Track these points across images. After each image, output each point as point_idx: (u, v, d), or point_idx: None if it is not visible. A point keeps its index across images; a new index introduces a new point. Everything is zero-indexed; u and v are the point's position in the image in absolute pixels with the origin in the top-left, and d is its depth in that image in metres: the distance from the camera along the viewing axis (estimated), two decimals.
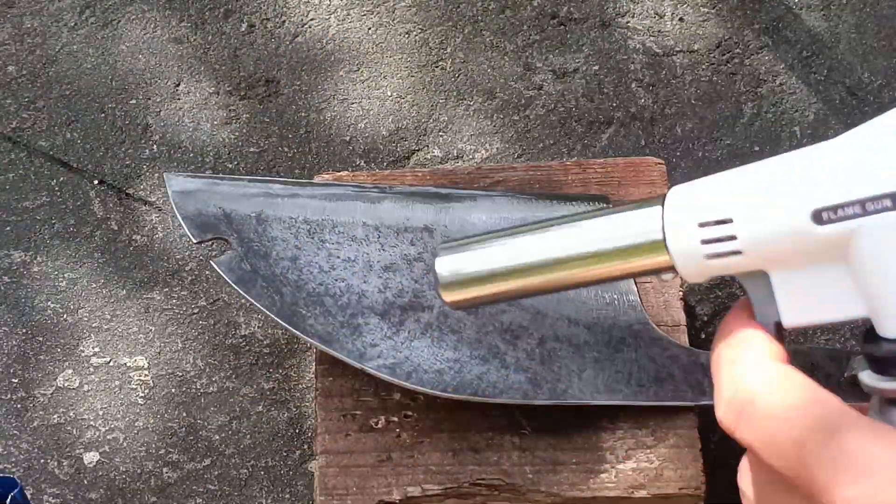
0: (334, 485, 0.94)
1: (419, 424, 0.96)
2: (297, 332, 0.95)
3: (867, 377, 0.48)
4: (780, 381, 0.46)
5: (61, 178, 1.28)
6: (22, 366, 1.18)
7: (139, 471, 1.13)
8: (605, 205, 1.04)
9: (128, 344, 1.19)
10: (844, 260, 0.48)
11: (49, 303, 1.21)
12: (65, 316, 1.21)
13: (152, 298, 1.21)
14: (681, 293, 1.02)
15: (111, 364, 1.18)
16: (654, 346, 0.97)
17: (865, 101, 1.28)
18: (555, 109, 1.30)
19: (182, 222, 0.98)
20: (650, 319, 0.98)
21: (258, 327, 1.19)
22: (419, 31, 1.35)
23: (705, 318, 1.17)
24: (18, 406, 1.17)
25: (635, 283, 1.01)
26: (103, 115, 1.32)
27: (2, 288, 1.22)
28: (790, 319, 0.50)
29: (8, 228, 1.25)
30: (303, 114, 1.31)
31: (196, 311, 1.20)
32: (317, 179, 1.07)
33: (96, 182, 1.28)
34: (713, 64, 1.31)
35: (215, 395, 1.16)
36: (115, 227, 1.25)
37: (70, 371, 1.18)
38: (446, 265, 0.67)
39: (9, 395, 1.17)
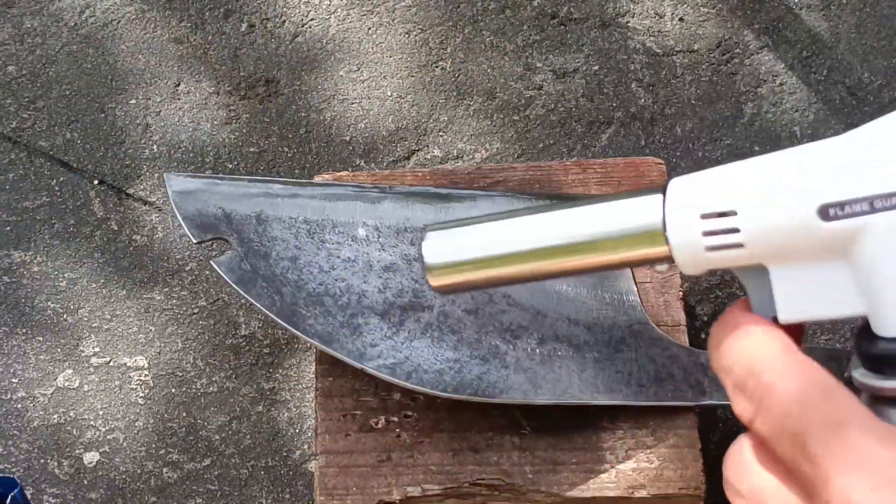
0: (334, 485, 0.94)
1: (419, 424, 0.96)
2: (297, 332, 0.95)
3: (860, 375, 0.48)
4: (797, 372, 0.46)
5: (61, 178, 1.28)
6: (22, 366, 1.18)
7: (139, 471, 1.13)
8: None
9: (128, 344, 1.19)
10: (846, 257, 0.48)
11: (49, 303, 1.21)
12: (65, 316, 1.21)
13: (152, 298, 1.21)
14: (681, 293, 1.02)
15: (111, 364, 1.18)
16: (654, 346, 0.97)
17: (865, 101, 1.28)
18: (555, 109, 1.30)
19: (182, 222, 0.98)
20: (650, 319, 0.98)
21: (258, 327, 1.19)
22: (419, 31, 1.35)
23: (705, 318, 1.17)
24: (18, 406, 1.17)
25: (635, 283, 1.01)
26: (103, 115, 1.32)
27: (2, 288, 1.22)
28: (786, 315, 0.50)
29: (8, 228, 1.25)
30: (303, 114, 1.31)
31: (196, 311, 1.20)
32: (317, 179, 1.07)
33: (96, 182, 1.28)
34: (713, 64, 1.31)
35: (215, 395, 1.16)
36: (115, 227, 1.25)
37: (70, 371, 1.18)
38: (433, 248, 0.64)
39: (9, 395, 1.17)
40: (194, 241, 0.98)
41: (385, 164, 1.27)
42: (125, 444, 1.14)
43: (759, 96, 1.29)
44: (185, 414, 1.15)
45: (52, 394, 1.17)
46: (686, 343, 0.99)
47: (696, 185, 0.52)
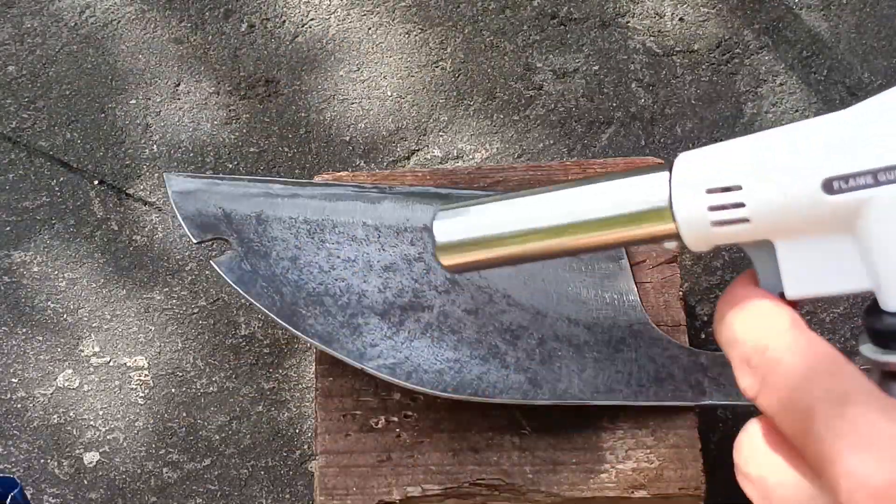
0: (334, 485, 0.94)
1: (419, 424, 0.96)
2: (297, 332, 0.95)
3: (868, 350, 0.48)
4: (804, 347, 0.46)
5: (61, 178, 1.28)
6: (22, 366, 1.19)
7: (139, 471, 1.13)
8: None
9: (128, 344, 1.19)
10: (851, 231, 0.48)
11: (49, 303, 1.21)
12: (65, 316, 1.21)
13: (152, 298, 1.21)
14: (681, 293, 1.02)
15: (111, 364, 1.18)
16: (654, 346, 0.97)
17: None
18: (555, 109, 1.30)
19: (182, 222, 0.98)
20: (650, 319, 0.98)
21: (258, 327, 1.19)
22: (419, 31, 1.35)
23: (705, 318, 1.17)
24: (18, 406, 1.17)
25: (635, 283, 1.01)
26: (103, 115, 1.32)
27: (2, 288, 1.22)
28: (793, 291, 0.50)
29: (8, 228, 1.25)
30: (303, 114, 1.31)
31: (196, 311, 1.20)
32: (317, 179, 1.07)
33: (96, 182, 1.28)
34: (713, 64, 1.31)
35: (215, 395, 1.16)
36: (115, 228, 1.25)
37: (70, 371, 1.18)
38: (444, 227, 0.65)
39: (9, 395, 1.17)
40: (194, 241, 0.98)
41: (385, 164, 1.27)
42: (125, 444, 1.14)
43: (759, 96, 1.29)
44: (185, 414, 1.15)
45: (52, 394, 1.17)
46: (686, 343, 0.99)
47: (702, 160, 0.52)
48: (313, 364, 1.03)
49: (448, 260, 0.66)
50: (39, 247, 1.24)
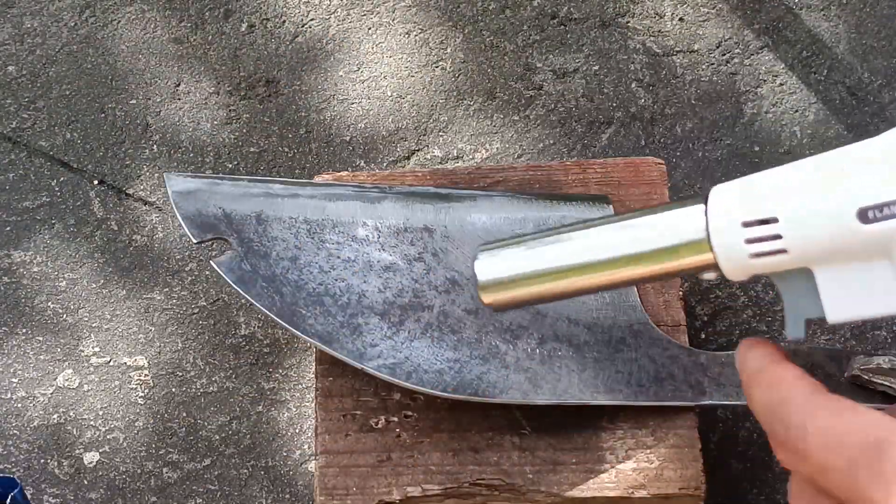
0: (334, 485, 0.95)
1: (419, 424, 0.96)
2: (297, 332, 0.95)
3: None
4: (828, 412, 0.47)
5: (61, 178, 1.28)
6: (22, 366, 1.19)
7: (139, 471, 1.13)
8: (606, 205, 1.04)
9: (128, 344, 1.19)
10: (889, 257, 0.48)
11: (49, 303, 1.21)
12: (65, 316, 1.21)
13: (152, 298, 1.21)
14: (681, 293, 1.02)
15: (111, 364, 1.18)
16: (654, 346, 0.97)
17: (865, 101, 1.28)
18: (555, 109, 1.30)
19: (182, 222, 0.98)
20: (650, 319, 0.99)
21: (258, 327, 1.19)
22: (419, 31, 1.35)
23: (705, 318, 1.17)
24: (18, 406, 1.17)
25: None
26: (103, 115, 1.32)
27: (2, 288, 1.22)
28: (835, 315, 0.50)
29: (8, 228, 1.25)
30: (303, 114, 1.31)
31: (196, 311, 1.20)
32: (317, 179, 1.07)
33: (96, 182, 1.28)
34: (713, 64, 1.31)
35: (215, 395, 1.16)
36: (115, 227, 1.25)
37: (70, 371, 1.18)
38: (485, 267, 0.67)
39: (9, 395, 1.17)
40: (194, 241, 0.98)
41: (385, 164, 1.27)
42: (125, 444, 1.14)
43: (759, 96, 1.29)
44: (185, 414, 1.15)
45: (52, 394, 1.17)
46: (686, 343, 0.99)
47: (736, 193, 0.52)
48: (313, 364, 1.03)
49: (490, 298, 0.68)
50: (39, 247, 1.24)
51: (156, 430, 1.15)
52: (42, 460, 1.14)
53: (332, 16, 1.36)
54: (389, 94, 1.31)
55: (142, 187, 1.27)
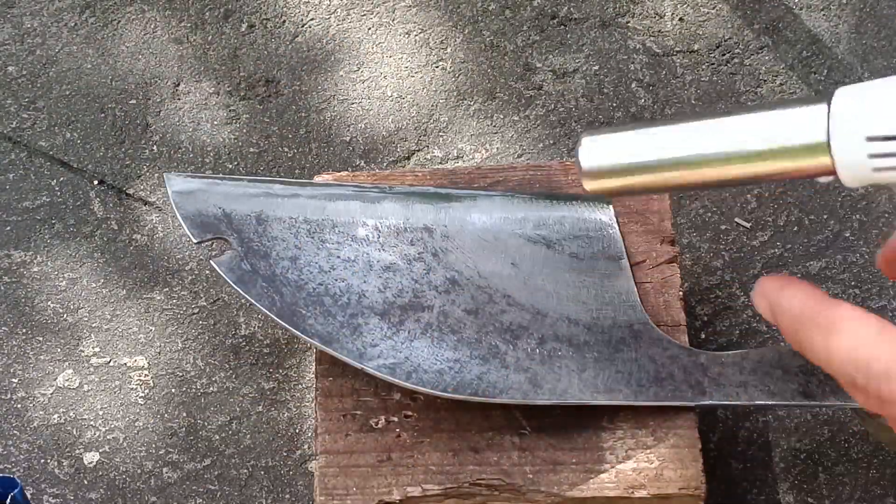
0: (334, 485, 0.95)
1: (419, 424, 0.96)
2: (297, 332, 0.95)
3: None
4: None
5: (61, 178, 1.28)
6: (22, 366, 1.19)
7: (139, 471, 1.13)
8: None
9: (128, 344, 1.19)
10: None
11: (49, 303, 1.21)
12: (65, 316, 1.21)
13: (152, 298, 1.21)
14: (681, 293, 1.02)
15: (111, 364, 1.18)
16: (654, 346, 0.97)
17: None
18: (555, 109, 1.30)
19: (182, 222, 0.98)
20: (650, 319, 0.99)
21: (258, 327, 1.19)
22: (419, 31, 1.35)
23: (705, 318, 1.17)
24: (18, 406, 1.17)
25: (635, 283, 1.01)
26: (103, 115, 1.32)
27: (2, 288, 1.22)
28: None
29: (8, 228, 1.25)
30: (303, 114, 1.31)
31: (196, 311, 1.20)
32: (317, 179, 1.07)
33: (96, 182, 1.28)
34: (713, 64, 1.31)
35: (215, 395, 1.16)
36: (115, 227, 1.25)
37: (70, 371, 1.18)
38: (590, 152, 0.64)
39: (9, 395, 1.17)
40: (194, 241, 0.98)
41: (385, 164, 1.27)
42: (125, 444, 1.14)
43: (759, 96, 1.29)
44: (185, 414, 1.16)
45: (52, 394, 1.17)
46: (686, 343, 0.99)
47: (862, 100, 0.50)
48: (313, 364, 1.03)
49: (592, 185, 0.65)
50: (39, 247, 1.24)
51: (156, 430, 1.15)
52: (42, 460, 1.14)
53: (332, 16, 1.36)
54: (389, 94, 1.31)
55: (142, 187, 1.27)
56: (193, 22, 1.37)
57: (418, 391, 0.94)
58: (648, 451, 0.94)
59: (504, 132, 1.29)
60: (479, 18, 1.36)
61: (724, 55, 1.32)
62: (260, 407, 1.16)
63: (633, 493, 0.93)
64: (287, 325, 0.95)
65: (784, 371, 0.96)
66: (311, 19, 1.36)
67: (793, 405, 0.97)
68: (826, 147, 0.51)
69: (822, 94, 0.53)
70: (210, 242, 1.00)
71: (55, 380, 1.18)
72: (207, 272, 1.22)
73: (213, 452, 1.14)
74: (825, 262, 1.20)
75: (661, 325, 0.99)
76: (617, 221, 1.04)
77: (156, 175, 1.28)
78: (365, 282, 0.98)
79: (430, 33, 1.35)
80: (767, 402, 0.96)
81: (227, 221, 0.99)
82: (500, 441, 0.95)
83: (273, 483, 1.12)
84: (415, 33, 1.35)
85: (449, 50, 1.34)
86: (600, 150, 0.63)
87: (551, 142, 1.28)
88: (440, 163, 1.27)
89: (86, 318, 1.20)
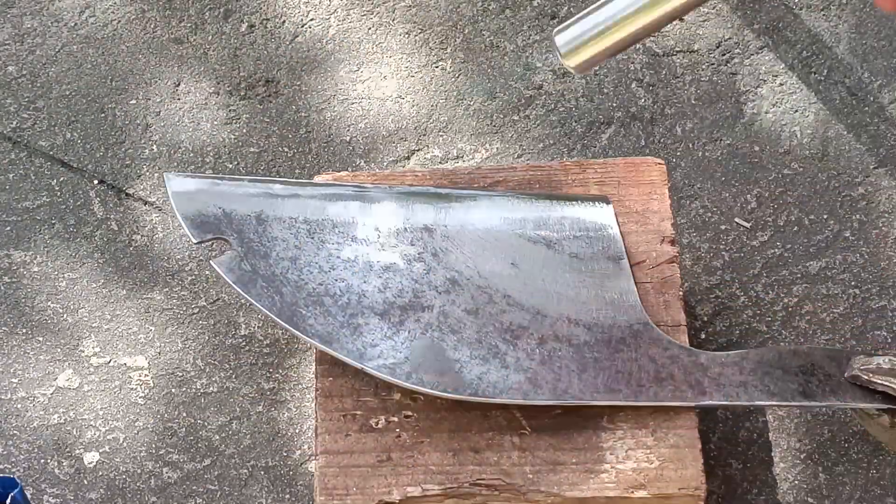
0: (334, 485, 0.95)
1: (419, 424, 0.96)
2: (297, 332, 0.95)
3: None
4: None
5: (61, 178, 1.28)
6: (22, 366, 1.19)
7: (139, 471, 1.13)
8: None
9: (128, 344, 1.19)
10: None
11: (49, 303, 1.21)
12: (65, 316, 1.21)
13: (152, 298, 1.21)
14: (681, 293, 1.02)
15: (111, 364, 1.18)
16: (654, 346, 0.97)
17: (865, 101, 1.28)
18: (555, 109, 1.30)
19: (182, 222, 0.98)
20: (650, 319, 0.99)
21: (258, 327, 1.19)
22: (419, 31, 1.35)
23: (705, 318, 1.17)
24: (18, 406, 1.17)
25: (635, 283, 1.01)
26: (103, 115, 1.32)
27: (2, 288, 1.22)
28: None
29: (8, 228, 1.25)
30: (303, 114, 1.31)
31: (196, 311, 1.21)
32: (317, 179, 1.07)
33: (96, 182, 1.28)
34: (713, 64, 1.31)
35: (215, 395, 1.16)
36: (115, 227, 1.25)
37: (70, 371, 1.18)
38: (564, 37, 0.78)
39: (9, 395, 1.17)
40: (194, 241, 0.98)
41: (385, 164, 1.27)
42: (125, 444, 1.14)
43: (759, 96, 1.29)
44: (185, 414, 1.16)
45: (52, 394, 1.17)
46: (686, 343, 0.99)
47: None
48: (313, 364, 1.03)
49: (574, 60, 0.79)
50: (39, 247, 1.24)
51: (156, 430, 1.15)
52: (42, 460, 1.14)
53: (332, 16, 1.36)
54: (389, 94, 1.31)
55: (142, 187, 1.27)
56: (193, 22, 1.37)
57: (418, 391, 0.94)
58: (648, 451, 0.94)
59: (504, 132, 1.29)
60: (479, 18, 1.36)
61: (724, 55, 1.32)
62: (260, 407, 1.16)
63: (633, 493, 0.93)
64: (287, 325, 0.95)
65: (784, 371, 0.96)
66: (311, 19, 1.36)
67: (793, 405, 0.97)
68: None
69: None
70: (210, 242, 1.00)
71: (55, 380, 1.18)
72: (207, 272, 1.22)
73: (213, 452, 1.14)
74: (825, 262, 1.20)
75: (661, 325, 0.99)
76: (617, 221, 1.04)
77: (156, 175, 1.28)
78: (365, 282, 0.98)
79: (430, 33, 1.35)
80: (767, 402, 0.96)
81: (227, 221, 0.99)
82: (500, 441, 0.95)
83: (273, 483, 1.12)
84: (415, 33, 1.35)
85: (449, 50, 1.34)
86: (570, 33, 0.78)
87: (551, 142, 1.28)
88: (440, 162, 1.27)
89: (86, 318, 1.21)
